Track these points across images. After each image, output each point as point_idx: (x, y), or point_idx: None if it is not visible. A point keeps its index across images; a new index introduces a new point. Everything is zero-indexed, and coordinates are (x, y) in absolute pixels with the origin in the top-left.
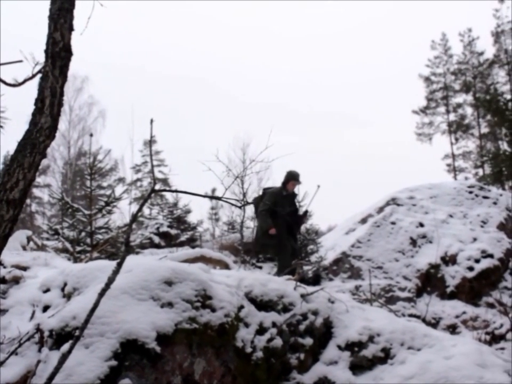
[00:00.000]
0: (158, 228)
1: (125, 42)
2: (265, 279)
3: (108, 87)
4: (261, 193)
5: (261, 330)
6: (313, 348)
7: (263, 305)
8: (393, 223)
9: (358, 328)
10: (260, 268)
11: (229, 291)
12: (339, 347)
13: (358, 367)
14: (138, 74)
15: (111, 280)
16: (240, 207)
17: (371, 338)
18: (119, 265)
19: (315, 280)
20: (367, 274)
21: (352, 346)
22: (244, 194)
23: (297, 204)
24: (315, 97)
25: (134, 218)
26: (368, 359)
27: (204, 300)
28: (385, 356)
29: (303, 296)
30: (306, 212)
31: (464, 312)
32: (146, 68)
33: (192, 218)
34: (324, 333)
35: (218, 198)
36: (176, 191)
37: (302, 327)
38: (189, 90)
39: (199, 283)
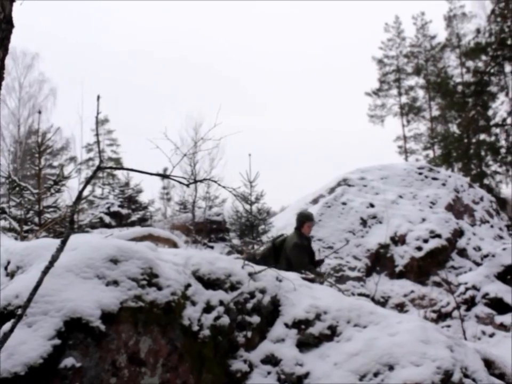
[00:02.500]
0: (108, 208)
1: (78, 18)
2: (213, 257)
3: (60, 64)
4: (270, 240)
5: (208, 308)
6: (261, 326)
7: (210, 283)
8: (344, 203)
9: (305, 306)
10: (212, 247)
11: (176, 269)
12: (286, 325)
13: (305, 344)
14: (93, 51)
15: (55, 258)
16: (187, 185)
17: (318, 316)
18: (63, 243)
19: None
20: (317, 254)
21: (299, 324)
22: (193, 173)
23: (313, 248)
24: (274, 80)
25: (79, 196)
26: (315, 337)
27: (150, 278)
28: (332, 333)
29: (250, 274)
30: (323, 260)
31: (412, 291)
32: (101, 45)
33: (143, 198)
34: (271, 311)
35: (166, 176)
36: (121, 168)
37: (249, 305)
38: (154, 68)
39: (145, 261)
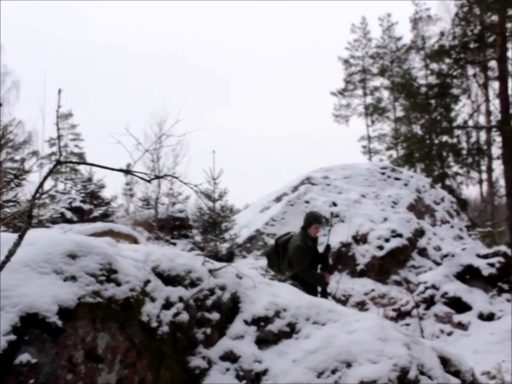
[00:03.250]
0: (70, 203)
1: (42, 10)
2: (173, 254)
3: (26, 57)
4: (273, 242)
5: (168, 305)
6: (220, 322)
7: (170, 280)
8: (307, 202)
9: (265, 303)
10: (174, 244)
11: (136, 265)
12: (246, 322)
13: (264, 341)
14: (66, 44)
15: (11, 253)
16: (148, 181)
17: (277, 314)
18: (21, 237)
19: (228, 257)
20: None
21: (259, 321)
22: (154, 168)
23: (318, 248)
24: (244, 77)
25: (38, 190)
26: (274, 334)
27: (109, 273)
28: (291, 331)
29: (211, 271)
30: (328, 246)
31: (373, 290)
32: (73, 37)
33: (106, 194)
34: (231, 308)
35: (127, 171)
36: (81, 162)
37: (209, 302)
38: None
39: (104, 257)
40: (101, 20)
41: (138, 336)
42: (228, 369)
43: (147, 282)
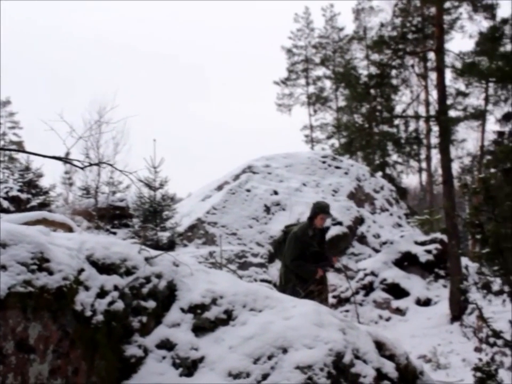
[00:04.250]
0: (7, 192)
1: None
2: (108, 242)
3: None
4: (282, 231)
5: (102, 293)
6: (156, 310)
7: (105, 268)
8: (248, 190)
9: (202, 291)
10: (114, 233)
11: (69, 254)
12: (182, 310)
13: (201, 329)
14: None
15: None
16: (82, 168)
17: (214, 301)
18: None
19: (170, 246)
20: (221, 241)
21: (195, 309)
22: (87, 156)
23: (326, 241)
24: (187, 65)
25: None
26: (210, 321)
27: (41, 262)
28: (228, 318)
29: (147, 259)
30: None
31: None
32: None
33: (44, 183)
34: (167, 296)
35: (59, 159)
36: (8, 149)
37: (145, 290)
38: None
39: (36, 245)
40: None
41: (72, 325)
42: (164, 357)
43: (81, 271)
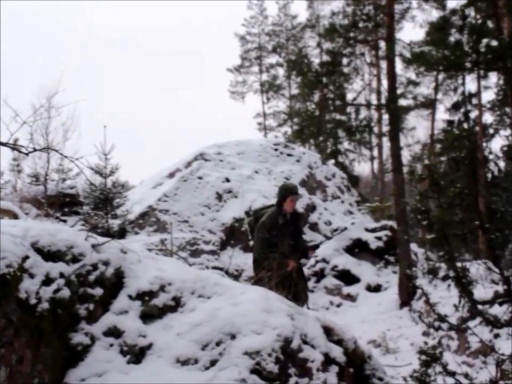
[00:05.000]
0: None
1: None
2: (54, 229)
3: None
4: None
5: (48, 281)
6: (104, 298)
7: (50, 255)
8: (200, 177)
9: (150, 278)
10: (65, 221)
11: (13, 241)
12: (130, 297)
13: (149, 316)
14: None
15: None
16: (26, 154)
17: (162, 288)
18: None
19: (121, 233)
20: (172, 228)
21: (143, 296)
22: (31, 141)
23: (302, 228)
24: (137, 54)
25: None
26: (159, 308)
27: None
28: (176, 304)
29: (94, 246)
30: (318, 245)
31: None
32: None
33: None
34: (115, 283)
35: (1, 144)
36: None
37: (92, 277)
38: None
39: None
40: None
41: (16, 313)
42: (111, 345)
43: (25, 258)
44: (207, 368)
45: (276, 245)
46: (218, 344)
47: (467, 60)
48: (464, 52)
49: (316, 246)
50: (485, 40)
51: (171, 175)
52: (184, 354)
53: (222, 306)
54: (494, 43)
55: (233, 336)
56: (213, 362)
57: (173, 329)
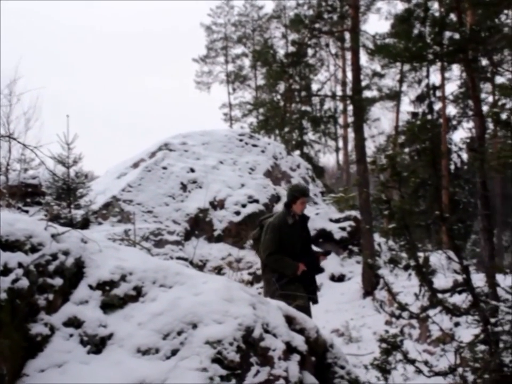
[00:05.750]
0: None
1: None
2: (12, 218)
3: None
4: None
5: (6, 271)
6: (64, 288)
7: (8, 245)
8: (164, 168)
9: (111, 267)
10: (27, 212)
11: None
12: (90, 287)
13: (110, 305)
14: None
15: None
16: None
17: (123, 277)
18: None
19: (84, 224)
20: (136, 218)
21: (104, 286)
22: None
23: (310, 231)
24: (98, 42)
25: None
26: (119, 298)
27: None
28: (137, 294)
29: (53, 236)
30: (329, 251)
31: (229, 254)
32: None
33: None
34: (75, 273)
35: None
36: None
37: (51, 267)
38: None
39: None
40: None
41: None
42: (71, 335)
43: None
44: (168, 358)
45: (286, 247)
46: (179, 333)
47: (429, 52)
48: (426, 43)
49: (328, 252)
50: (447, 33)
51: (135, 165)
52: (145, 344)
53: (184, 295)
54: (456, 36)
55: (194, 326)
56: (174, 352)
57: (134, 319)
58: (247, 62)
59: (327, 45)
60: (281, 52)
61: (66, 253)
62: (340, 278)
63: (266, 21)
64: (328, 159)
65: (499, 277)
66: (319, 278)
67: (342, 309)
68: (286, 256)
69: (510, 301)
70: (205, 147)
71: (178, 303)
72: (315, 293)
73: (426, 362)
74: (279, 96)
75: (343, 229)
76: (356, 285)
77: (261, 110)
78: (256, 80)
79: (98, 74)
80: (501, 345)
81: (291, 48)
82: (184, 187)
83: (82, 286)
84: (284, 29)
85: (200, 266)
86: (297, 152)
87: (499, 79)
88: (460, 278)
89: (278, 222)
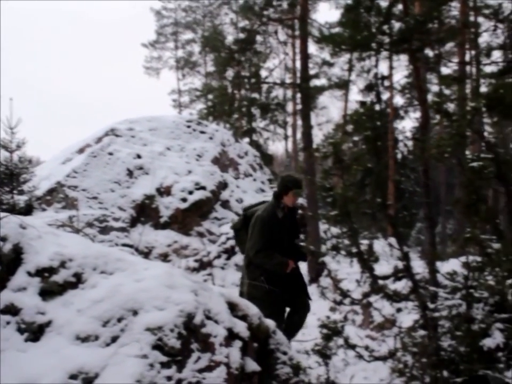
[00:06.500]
0: None
1: None
2: None
3: None
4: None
5: None
6: (1, 274)
7: None
8: (110, 153)
9: (50, 254)
10: None
11: None
12: (29, 273)
13: (49, 292)
14: None
15: None
16: None
17: (63, 264)
18: None
19: (27, 210)
20: (81, 205)
21: (43, 272)
22: None
23: (299, 226)
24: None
25: None
26: (59, 285)
27: None
28: (77, 281)
29: None
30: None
31: (176, 241)
32: None
33: None
34: (13, 259)
35: None
36: None
37: None
38: None
39: None
40: None
41: None
42: (8, 323)
43: None
44: (107, 345)
45: (275, 243)
46: (119, 320)
47: (373, 41)
48: (372, 33)
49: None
50: (393, 23)
51: (81, 151)
52: (84, 331)
53: (125, 282)
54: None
55: (135, 312)
56: (114, 339)
57: (74, 306)
58: (197, 48)
59: (276, 33)
60: (230, 39)
61: (3, 239)
62: None
63: (217, 7)
64: (277, 147)
65: (440, 264)
66: None
67: None
68: (274, 252)
69: (448, 287)
70: (152, 133)
71: (119, 289)
72: (306, 288)
73: (367, 348)
74: (228, 83)
75: None
76: (302, 272)
77: (210, 97)
78: (206, 67)
79: (56, 61)
80: (441, 330)
81: (241, 35)
82: (130, 173)
83: (21, 272)
84: (235, 15)
85: (146, 253)
86: (247, 139)
87: (446, 70)
88: (401, 264)
89: (267, 215)
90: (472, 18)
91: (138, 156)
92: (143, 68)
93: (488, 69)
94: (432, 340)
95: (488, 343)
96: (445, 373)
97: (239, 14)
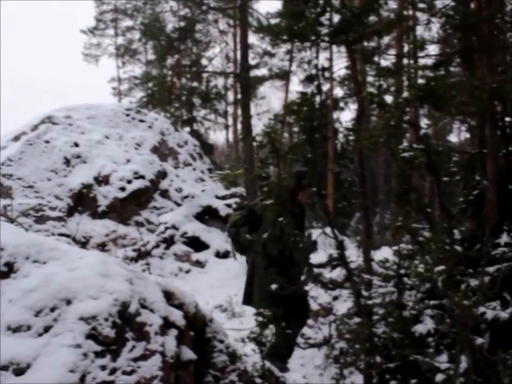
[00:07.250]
0: None
1: None
2: None
3: None
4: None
5: None
6: None
7: None
8: (47, 141)
9: None
10: None
11: None
12: None
13: None
14: None
15: None
16: None
17: None
18: None
19: None
20: (16, 194)
21: None
22: None
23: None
24: None
25: None
26: None
27: None
28: (9, 270)
29: None
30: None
31: (114, 231)
32: None
33: None
34: None
35: None
36: None
37: None
38: None
39: None
40: None
41: None
42: None
43: None
44: (40, 335)
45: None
46: (52, 310)
47: (311, 32)
48: (308, 23)
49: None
50: (332, 14)
51: (16, 139)
52: (16, 321)
53: (58, 271)
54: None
55: (68, 302)
56: (47, 329)
57: (5, 296)
58: (137, 35)
59: (216, 22)
60: (170, 27)
61: None
62: (224, 255)
63: None
64: (218, 137)
65: (376, 253)
66: (205, 255)
67: (226, 284)
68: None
69: (382, 275)
70: (90, 121)
71: (52, 278)
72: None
73: (302, 335)
74: (168, 71)
75: (229, 205)
76: (240, 261)
77: (150, 85)
78: (147, 55)
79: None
80: (374, 317)
81: (181, 23)
82: (67, 162)
83: None
84: (175, 3)
85: (83, 243)
86: (187, 128)
87: (385, 63)
88: (335, 253)
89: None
90: (411, 12)
91: (76, 144)
92: (82, 54)
93: (423, 62)
94: (365, 327)
95: (419, 329)
96: (378, 359)
97: (180, 1)
